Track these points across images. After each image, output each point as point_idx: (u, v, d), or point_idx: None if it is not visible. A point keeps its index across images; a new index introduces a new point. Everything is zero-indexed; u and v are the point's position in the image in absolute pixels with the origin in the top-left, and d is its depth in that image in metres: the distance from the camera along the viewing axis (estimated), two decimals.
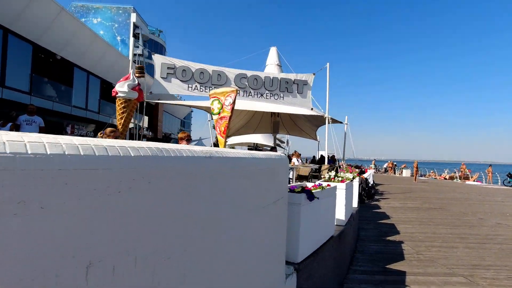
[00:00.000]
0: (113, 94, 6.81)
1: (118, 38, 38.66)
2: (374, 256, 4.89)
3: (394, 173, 33.48)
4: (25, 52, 12.98)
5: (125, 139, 7.35)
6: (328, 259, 3.10)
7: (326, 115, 11.71)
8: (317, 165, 12.37)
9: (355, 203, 5.58)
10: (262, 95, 10.89)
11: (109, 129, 4.37)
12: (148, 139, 27.81)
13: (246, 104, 13.90)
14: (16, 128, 7.78)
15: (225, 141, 8.12)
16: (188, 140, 4.86)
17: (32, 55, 13.37)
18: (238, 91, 8.12)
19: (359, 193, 10.57)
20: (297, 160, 9.00)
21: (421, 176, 29.72)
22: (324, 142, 19.10)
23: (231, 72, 10.63)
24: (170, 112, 36.48)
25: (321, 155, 17.84)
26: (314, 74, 11.34)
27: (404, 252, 5.17)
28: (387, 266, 4.42)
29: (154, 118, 29.81)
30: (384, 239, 5.94)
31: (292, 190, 2.58)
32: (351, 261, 4.54)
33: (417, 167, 22.18)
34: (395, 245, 5.57)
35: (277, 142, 35.11)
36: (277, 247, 2.03)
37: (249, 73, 10.77)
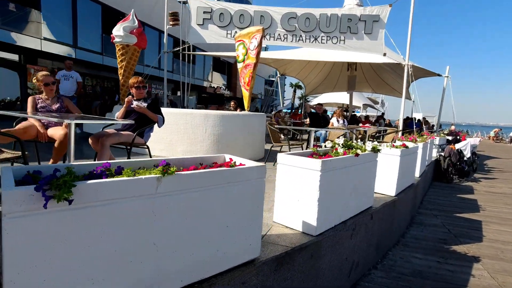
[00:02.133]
0: (112, 39, 6.03)
1: None
2: (403, 281, 2.94)
3: None
4: (94, 12, 13.62)
5: (127, 90, 6.67)
6: None
7: (405, 63, 8.69)
8: (381, 128, 9.59)
9: (384, 188, 3.50)
10: (316, 39, 8.64)
11: (40, 73, 3.50)
12: (227, 98, 27.91)
13: (299, 53, 11.74)
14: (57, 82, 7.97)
15: (250, 95, 6.61)
16: (140, 88, 3.63)
17: (102, 15, 13.97)
18: (264, 31, 6.33)
19: (444, 168, 7.75)
20: (337, 121, 6.73)
21: None
22: (416, 100, 15.57)
23: (276, 12, 8.65)
24: None
25: (412, 118, 14.35)
26: (390, 5, 8.30)
27: (472, 281, 3.01)
28: None
29: (232, 77, 29.63)
30: (446, 248, 3.75)
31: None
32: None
33: None
34: (460, 263, 3.38)
35: (370, 102, 30.79)
36: None
37: (300, 11, 8.57)
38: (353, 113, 16.29)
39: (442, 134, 8.60)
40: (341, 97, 24.57)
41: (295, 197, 2.24)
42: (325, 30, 8.54)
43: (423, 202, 5.80)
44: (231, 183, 1.53)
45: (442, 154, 8.11)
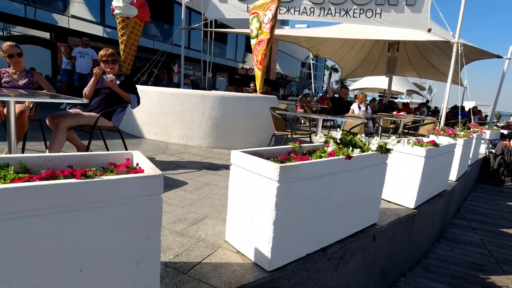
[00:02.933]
0: (112, 11, 5.59)
1: None
2: None
3: None
4: None
5: (130, 67, 6.24)
6: None
7: (455, 40, 7.32)
8: (418, 117, 8.24)
9: (400, 197, 2.68)
10: (347, 12, 7.54)
11: (5, 43, 3.12)
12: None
13: (332, 30, 10.60)
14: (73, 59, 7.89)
15: (263, 76, 5.89)
16: (109, 62, 3.11)
17: None
18: (280, 1, 5.49)
19: (493, 168, 6.51)
20: (359, 107, 5.62)
21: None
22: (467, 87, 13.98)
23: None
24: (288, 52, 34.38)
25: (460, 106, 12.65)
26: None
27: None
28: None
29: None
30: (482, 278, 2.88)
31: None
32: None
33: None
34: None
35: (415, 88, 28.16)
36: None
37: None
38: (391, 99, 14.78)
39: (494, 127, 7.21)
40: (383, 82, 22.66)
41: (248, 214, 1.59)
42: (358, 2, 7.40)
43: (461, 209, 4.80)
44: (85, 204, 0.93)
45: (493, 151, 6.81)
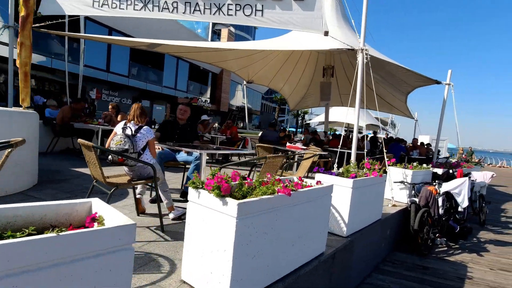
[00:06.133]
0: None
1: None
2: None
3: None
4: None
5: None
6: None
7: (359, 47, 5.44)
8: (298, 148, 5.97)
9: None
10: (219, 9, 5.56)
11: None
12: (206, 112, 24.83)
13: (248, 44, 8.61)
14: None
15: (26, 78, 3.52)
16: None
17: None
18: None
19: (414, 229, 4.28)
20: (123, 129, 3.09)
21: None
22: (415, 117, 12.80)
23: None
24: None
25: (397, 139, 10.82)
26: None
27: None
28: None
29: (217, 89, 26.84)
30: None
31: None
32: None
33: None
34: None
35: (377, 122, 26.77)
36: None
37: None
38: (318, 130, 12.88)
39: (417, 166, 5.08)
40: (351, 115, 21.13)
41: None
42: None
43: None
44: None
45: (416, 200, 4.64)
